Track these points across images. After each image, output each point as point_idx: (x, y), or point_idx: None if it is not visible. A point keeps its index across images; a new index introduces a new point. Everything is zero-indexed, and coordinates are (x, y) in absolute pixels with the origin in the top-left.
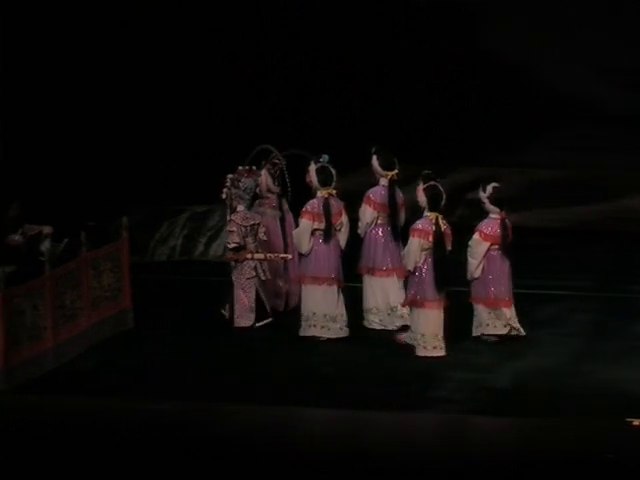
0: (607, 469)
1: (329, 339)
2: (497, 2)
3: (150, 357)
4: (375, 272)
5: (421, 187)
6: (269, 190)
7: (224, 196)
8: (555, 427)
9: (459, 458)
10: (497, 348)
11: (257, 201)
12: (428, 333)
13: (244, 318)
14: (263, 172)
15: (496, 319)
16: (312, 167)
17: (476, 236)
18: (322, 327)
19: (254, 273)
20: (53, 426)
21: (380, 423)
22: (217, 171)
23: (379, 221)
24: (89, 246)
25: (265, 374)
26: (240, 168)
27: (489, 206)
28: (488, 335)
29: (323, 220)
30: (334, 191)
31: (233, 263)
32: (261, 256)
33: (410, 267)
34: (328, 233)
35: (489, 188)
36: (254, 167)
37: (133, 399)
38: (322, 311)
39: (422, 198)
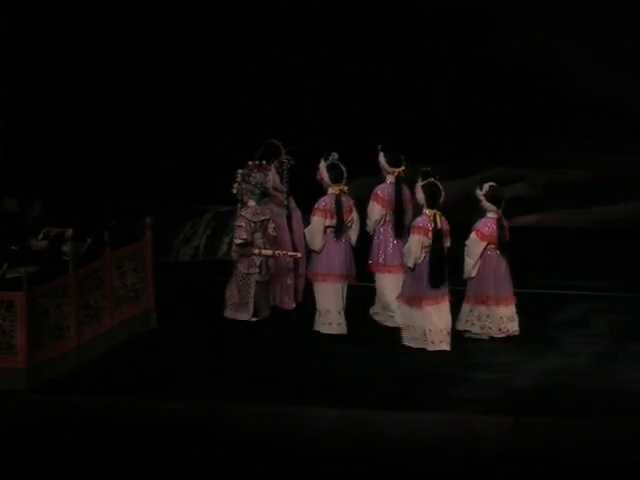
0: (632, 469)
1: (333, 335)
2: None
3: (173, 357)
4: (385, 269)
5: (419, 184)
6: (276, 188)
7: (235, 191)
8: (576, 427)
9: (484, 458)
10: (519, 348)
11: (264, 199)
12: (434, 328)
13: (240, 312)
14: (271, 170)
15: (481, 319)
16: (322, 164)
17: (473, 235)
18: (339, 324)
19: (257, 270)
20: (75, 426)
21: (405, 424)
22: (217, 171)
23: (387, 218)
24: (112, 246)
25: (286, 374)
26: (250, 163)
27: (486, 204)
28: (468, 332)
29: (334, 217)
30: (345, 188)
31: (235, 256)
32: (269, 252)
33: (410, 264)
34: (339, 230)
35: (486, 186)
36: (264, 162)
37: (156, 399)
38: (336, 308)
39: (420, 195)
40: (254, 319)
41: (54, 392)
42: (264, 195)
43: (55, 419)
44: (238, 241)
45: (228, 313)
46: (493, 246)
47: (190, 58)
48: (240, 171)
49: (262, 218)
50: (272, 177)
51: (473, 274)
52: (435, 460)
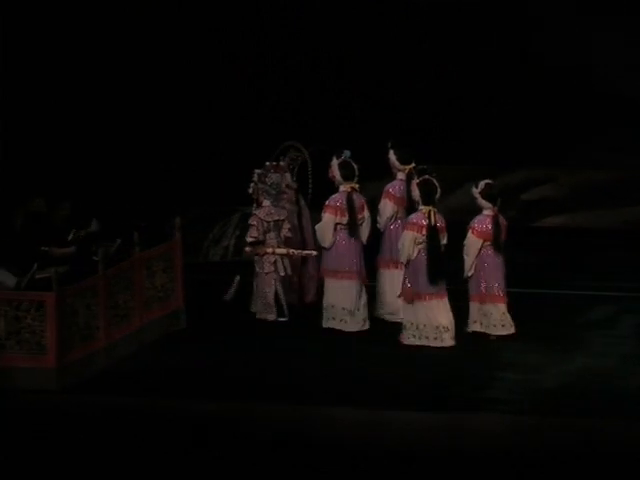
0: None
1: (351, 335)
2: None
3: (202, 357)
4: (393, 265)
5: (415, 181)
6: (287, 185)
7: (251, 191)
8: (607, 427)
9: (524, 457)
10: (546, 348)
11: (280, 199)
12: (428, 324)
13: (267, 312)
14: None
15: (484, 316)
16: (334, 162)
17: (469, 234)
18: (341, 320)
19: (273, 268)
20: (104, 425)
21: (437, 424)
22: (218, 171)
23: (399, 215)
24: (142, 246)
25: (315, 374)
26: (267, 163)
27: (481, 202)
28: (476, 332)
29: (346, 214)
30: (357, 185)
31: (256, 257)
32: (283, 251)
33: (403, 260)
34: (351, 227)
35: (481, 184)
36: (281, 162)
37: (185, 399)
38: (341, 304)
39: (416, 192)
40: (282, 319)
41: (84, 392)
42: (279, 196)
43: (84, 419)
44: (249, 239)
45: (257, 313)
46: (489, 243)
47: (190, 58)
48: (257, 171)
49: (276, 218)
50: (286, 176)
51: (470, 273)
52: (472, 460)
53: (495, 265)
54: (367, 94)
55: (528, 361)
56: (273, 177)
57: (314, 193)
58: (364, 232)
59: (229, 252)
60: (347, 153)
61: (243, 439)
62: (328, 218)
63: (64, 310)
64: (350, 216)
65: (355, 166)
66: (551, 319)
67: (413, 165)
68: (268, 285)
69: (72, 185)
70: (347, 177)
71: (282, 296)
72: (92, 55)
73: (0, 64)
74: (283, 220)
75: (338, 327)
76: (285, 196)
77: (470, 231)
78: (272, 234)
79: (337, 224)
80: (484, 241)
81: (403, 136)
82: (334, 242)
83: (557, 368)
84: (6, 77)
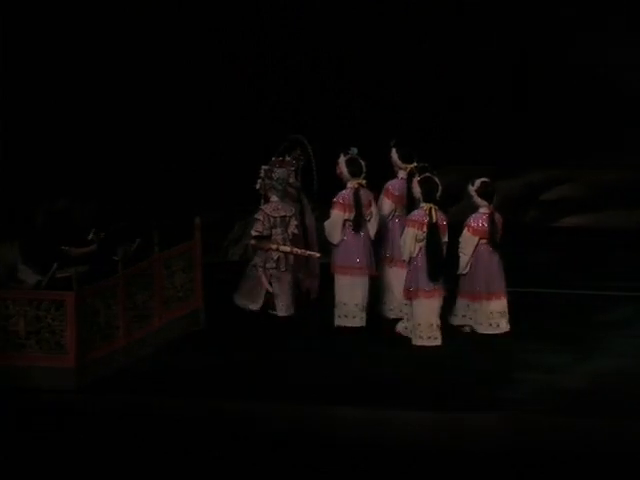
0: None
1: (358, 334)
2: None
3: (222, 357)
4: (392, 263)
5: (416, 179)
6: (289, 184)
7: (258, 186)
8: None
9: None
10: (565, 348)
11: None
12: (423, 322)
13: (250, 301)
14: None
15: (474, 313)
16: (342, 159)
17: (465, 231)
18: (353, 317)
19: (274, 264)
20: (123, 425)
21: (467, 424)
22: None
23: (397, 213)
24: (161, 246)
25: (334, 374)
26: (273, 159)
27: (477, 200)
28: (463, 326)
29: (353, 211)
30: (364, 182)
31: (252, 249)
32: (287, 249)
33: (405, 257)
34: (358, 223)
35: (477, 182)
36: (287, 157)
37: (205, 399)
38: (353, 301)
39: (417, 189)
40: (275, 313)
41: (103, 391)
42: (286, 191)
43: (103, 418)
44: (254, 233)
45: (238, 300)
46: (485, 241)
47: (190, 58)
48: (264, 167)
49: (283, 214)
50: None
51: (466, 270)
52: (505, 459)
53: (491, 262)
54: (367, 94)
55: (547, 361)
56: (279, 172)
57: (319, 191)
58: (372, 227)
59: (249, 251)
60: (354, 150)
61: (262, 438)
62: (336, 215)
63: (84, 310)
64: (357, 212)
65: (362, 162)
66: (569, 319)
67: (415, 164)
68: (265, 279)
69: (92, 185)
70: (354, 173)
71: (292, 293)
72: (93, 55)
73: (0, 64)
74: (291, 217)
75: (350, 324)
76: (288, 194)
77: (466, 228)
78: (278, 230)
79: (345, 220)
80: (480, 238)
81: (405, 135)
82: (343, 238)
83: (577, 368)
84: (6, 77)
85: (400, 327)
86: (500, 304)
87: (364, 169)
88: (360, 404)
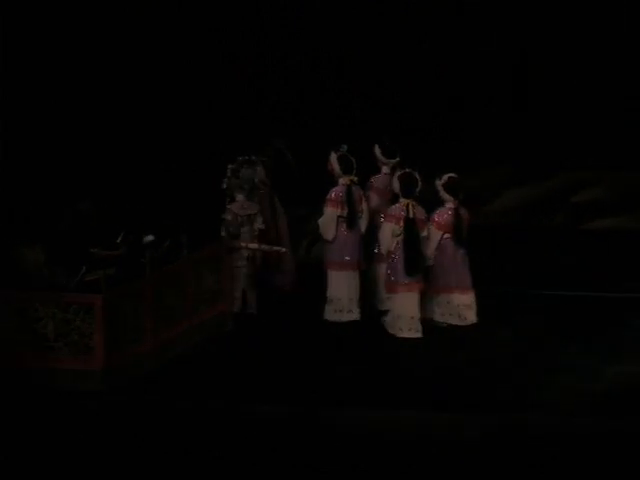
0: None
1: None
2: None
3: (248, 360)
4: (381, 258)
5: (396, 174)
6: (262, 181)
7: (224, 186)
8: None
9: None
10: (591, 350)
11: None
12: (403, 315)
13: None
14: (259, 165)
15: (440, 306)
16: (333, 156)
17: (429, 226)
18: (348, 311)
19: (245, 262)
20: (150, 427)
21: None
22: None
23: (382, 208)
24: (189, 248)
25: (357, 375)
26: (239, 158)
27: (443, 194)
28: (438, 321)
29: (346, 207)
30: (355, 178)
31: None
32: (255, 246)
33: (383, 251)
34: (352, 220)
35: (445, 177)
36: (253, 157)
37: (233, 402)
38: (348, 295)
39: (396, 184)
40: (251, 311)
41: (130, 394)
42: (253, 190)
43: (130, 420)
44: (224, 233)
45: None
46: (449, 235)
47: (190, 58)
48: (230, 166)
49: (249, 212)
50: (258, 172)
51: (431, 263)
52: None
53: (455, 257)
54: (367, 94)
55: (571, 362)
56: (246, 172)
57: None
58: (363, 223)
59: None
60: (344, 147)
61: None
62: (330, 212)
63: (112, 312)
64: (350, 209)
65: (353, 159)
66: (600, 321)
67: (398, 160)
68: (237, 279)
69: (122, 187)
70: (346, 170)
71: (254, 289)
72: (93, 55)
73: (1, 64)
74: (256, 214)
75: (345, 319)
76: (260, 192)
77: (430, 223)
78: (246, 228)
79: (339, 217)
80: (444, 233)
81: (393, 133)
82: (336, 235)
83: (605, 370)
84: (6, 77)
85: (383, 320)
86: (466, 297)
87: (355, 166)
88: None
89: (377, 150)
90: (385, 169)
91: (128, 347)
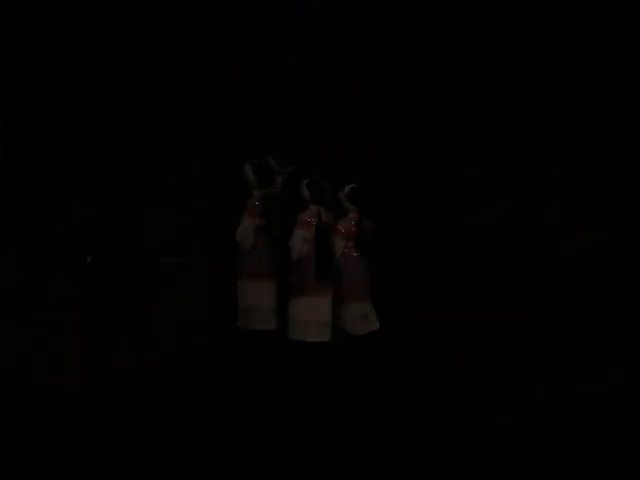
0: None
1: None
2: None
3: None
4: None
5: (304, 182)
6: None
7: None
8: None
9: None
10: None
11: None
12: (312, 319)
13: None
14: None
15: (345, 313)
16: (247, 167)
17: (332, 235)
18: (268, 320)
19: None
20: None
21: None
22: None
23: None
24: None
25: None
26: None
27: (347, 205)
28: (344, 327)
29: (263, 218)
30: (275, 190)
31: None
32: None
33: (294, 257)
34: (269, 230)
35: (347, 188)
36: None
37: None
38: (265, 305)
39: (305, 192)
40: None
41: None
42: None
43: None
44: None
45: None
46: (351, 244)
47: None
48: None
49: None
50: None
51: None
52: None
53: (356, 266)
54: (367, 94)
55: None
56: None
57: None
58: (280, 233)
59: None
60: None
61: None
62: (246, 222)
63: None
64: (267, 219)
65: (272, 170)
66: None
67: (292, 168)
68: None
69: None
70: (262, 183)
71: None
72: (93, 55)
73: (1, 64)
74: None
75: (266, 327)
76: None
77: (334, 232)
78: None
79: (256, 227)
80: (347, 242)
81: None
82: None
83: None
84: (5, 77)
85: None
86: (365, 306)
87: (273, 177)
88: None
89: (271, 161)
90: (279, 179)
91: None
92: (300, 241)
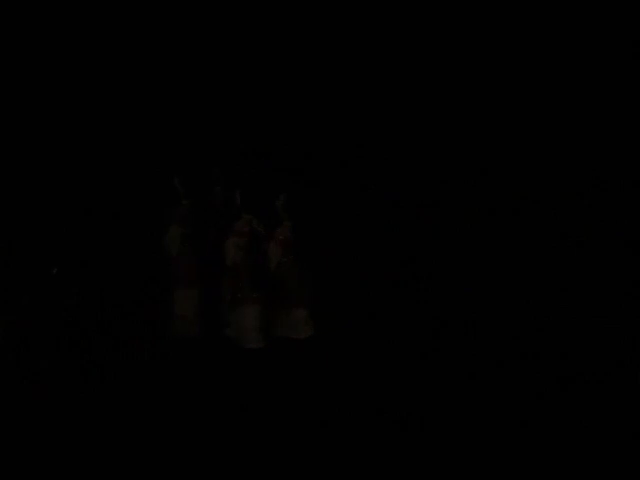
0: None
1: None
2: None
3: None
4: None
5: (238, 192)
6: None
7: None
8: None
9: None
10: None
11: None
12: (248, 327)
13: None
14: None
15: (281, 320)
16: (176, 180)
17: (270, 243)
18: (194, 328)
19: None
20: None
21: None
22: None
23: None
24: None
25: None
26: None
27: (282, 214)
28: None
29: (191, 225)
30: (204, 198)
31: None
32: None
33: (228, 263)
34: (196, 238)
35: (282, 197)
36: None
37: None
38: (194, 312)
39: (238, 201)
40: None
41: None
42: None
43: None
44: None
45: None
46: (289, 252)
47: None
48: None
49: None
50: None
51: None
52: None
53: (293, 273)
54: (367, 94)
55: None
56: None
57: None
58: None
59: None
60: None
61: None
62: (173, 229)
63: None
64: (195, 228)
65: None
66: None
67: None
68: None
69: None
70: (186, 194)
71: None
72: (92, 55)
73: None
74: None
75: (191, 334)
76: None
77: (271, 240)
78: None
79: (181, 235)
80: (283, 249)
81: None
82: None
83: None
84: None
85: (228, 331)
86: (303, 313)
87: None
88: None
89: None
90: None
91: None
92: (233, 249)
